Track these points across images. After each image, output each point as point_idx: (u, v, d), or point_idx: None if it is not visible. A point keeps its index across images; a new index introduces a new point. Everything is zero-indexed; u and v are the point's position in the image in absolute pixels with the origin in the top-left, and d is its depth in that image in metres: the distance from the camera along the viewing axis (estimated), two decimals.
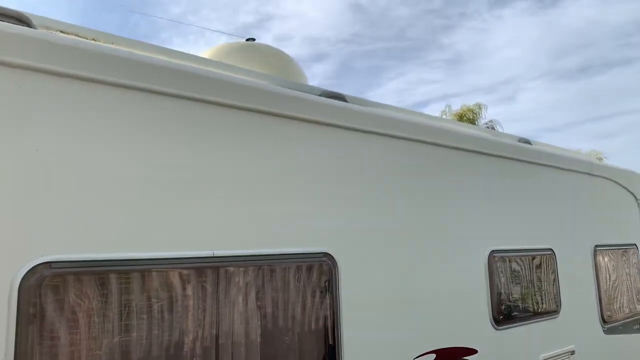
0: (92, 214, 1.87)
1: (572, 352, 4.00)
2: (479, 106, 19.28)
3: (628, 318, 4.89)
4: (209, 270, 2.13)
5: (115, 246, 1.91)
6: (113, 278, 1.89)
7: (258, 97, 2.43)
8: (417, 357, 2.85)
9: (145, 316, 1.94)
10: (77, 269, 1.82)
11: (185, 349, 2.04)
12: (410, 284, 2.93)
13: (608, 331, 4.53)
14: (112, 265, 1.88)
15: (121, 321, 1.88)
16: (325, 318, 2.49)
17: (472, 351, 3.20)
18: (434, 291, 3.06)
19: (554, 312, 3.94)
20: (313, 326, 2.44)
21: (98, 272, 1.85)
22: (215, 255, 2.12)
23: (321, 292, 2.50)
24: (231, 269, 2.20)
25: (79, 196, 1.86)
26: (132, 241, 1.95)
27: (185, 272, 2.06)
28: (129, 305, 1.91)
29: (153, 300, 1.97)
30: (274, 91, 2.53)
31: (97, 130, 1.93)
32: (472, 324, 3.27)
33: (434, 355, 2.94)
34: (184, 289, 2.06)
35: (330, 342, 2.48)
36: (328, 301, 2.51)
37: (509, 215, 3.77)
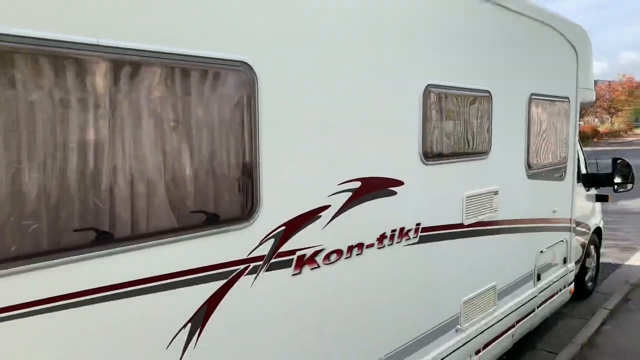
0: None
1: (496, 192, 4.09)
2: None
3: (551, 166, 5.04)
4: (91, 63, 1.78)
5: None
6: None
7: None
8: (341, 184, 2.74)
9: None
10: None
11: (64, 160, 1.75)
12: (339, 108, 2.72)
13: (531, 176, 4.66)
14: None
15: None
16: (242, 139, 2.25)
17: (399, 183, 3.14)
18: (364, 118, 2.88)
19: (483, 153, 3.93)
20: (227, 146, 2.20)
21: None
22: (100, 44, 1.77)
23: (237, 108, 2.23)
24: (121, 64, 1.86)
25: None
26: None
27: (58, 60, 1.70)
28: None
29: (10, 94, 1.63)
30: None
31: None
32: (401, 157, 3.17)
33: (359, 183, 2.85)
34: (55, 83, 1.71)
35: (248, 164, 2.27)
36: (245, 119, 2.25)
37: (449, 51, 3.54)
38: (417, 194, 3.30)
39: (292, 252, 2.51)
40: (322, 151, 2.64)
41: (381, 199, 3.03)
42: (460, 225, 3.75)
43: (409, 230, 3.26)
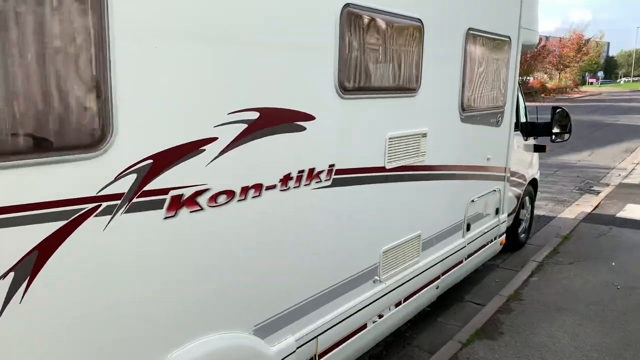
0: None
1: (424, 135, 3.76)
2: None
3: (487, 110, 4.75)
4: None
5: None
6: None
7: None
8: (232, 113, 2.31)
9: None
10: None
11: None
12: (231, 21, 2.25)
13: (465, 119, 4.35)
14: None
15: None
16: (87, 46, 1.75)
17: (309, 117, 2.73)
18: (265, 36, 2.42)
19: (412, 90, 3.56)
20: (64, 55, 1.71)
21: None
22: None
23: (78, 9, 1.73)
24: None
25: None
26: None
27: None
28: None
29: None
30: None
31: None
32: (312, 87, 2.75)
33: (256, 114, 2.42)
34: None
35: (94, 79, 1.79)
36: (90, 19, 1.75)
37: None
38: (331, 132, 2.92)
39: (164, 191, 2.08)
40: (205, 72, 2.18)
41: (286, 134, 2.62)
42: (382, 169, 3.41)
43: (320, 172, 2.88)
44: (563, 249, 6.77)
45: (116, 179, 1.90)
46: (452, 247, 4.52)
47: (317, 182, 2.88)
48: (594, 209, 8.86)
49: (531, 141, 6.76)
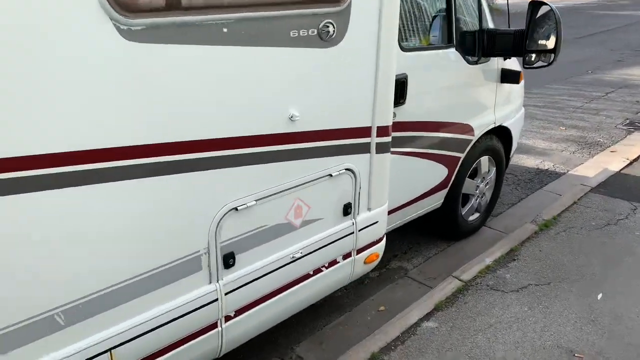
0: None
1: None
2: None
3: (265, 11, 2.03)
4: None
5: None
6: None
7: None
8: None
9: None
10: None
11: None
12: None
13: (139, 37, 1.71)
14: None
15: None
16: None
17: None
18: None
19: None
20: None
21: None
22: None
23: None
24: None
25: None
26: None
27: None
28: None
29: None
30: None
31: None
32: None
33: None
34: None
35: None
36: None
37: None
38: None
39: None
40: None
41: None
42: None
43: None
44: (526, 251, 4.05)
45: None
46: (157, 314, 2.09)
47: None
48: (629, 164, 5.83)
49: (493, 64, 3.87)
